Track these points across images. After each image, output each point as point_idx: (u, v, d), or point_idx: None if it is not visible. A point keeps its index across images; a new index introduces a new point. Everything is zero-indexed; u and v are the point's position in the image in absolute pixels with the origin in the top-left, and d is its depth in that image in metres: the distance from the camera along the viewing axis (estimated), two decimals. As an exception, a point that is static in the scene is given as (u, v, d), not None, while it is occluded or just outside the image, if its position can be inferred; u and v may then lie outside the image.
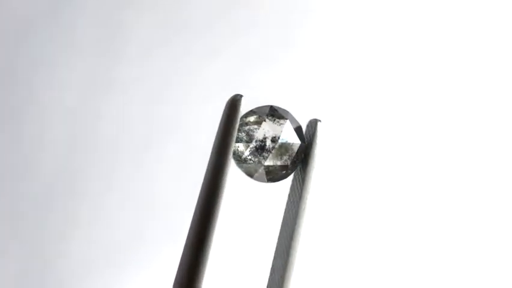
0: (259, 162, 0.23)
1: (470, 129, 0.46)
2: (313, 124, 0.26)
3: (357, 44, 0.48)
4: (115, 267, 0.47)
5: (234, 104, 0.22)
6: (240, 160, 0.23)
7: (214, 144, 0.22)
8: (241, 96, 0.22)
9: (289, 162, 0.23)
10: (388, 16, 0.48)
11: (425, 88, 0.47)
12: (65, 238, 0.47)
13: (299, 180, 0.25)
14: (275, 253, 0.26)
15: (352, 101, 0.48)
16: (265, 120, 0.23)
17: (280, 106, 0.24)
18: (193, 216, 0.21)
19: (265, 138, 0.23)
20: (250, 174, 0.24)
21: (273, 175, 0.23)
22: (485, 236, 0.44)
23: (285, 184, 0.25)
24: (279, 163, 0.23)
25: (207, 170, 0.22)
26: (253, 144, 0.23)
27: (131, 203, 0.48)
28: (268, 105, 0.24)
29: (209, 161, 0.22)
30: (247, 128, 0.23)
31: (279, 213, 0.26)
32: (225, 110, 0.22)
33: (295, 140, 0.24)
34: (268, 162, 0.23)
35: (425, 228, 0.45)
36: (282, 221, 0.26)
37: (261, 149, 0.23)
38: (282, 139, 0.23)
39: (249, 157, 0.23)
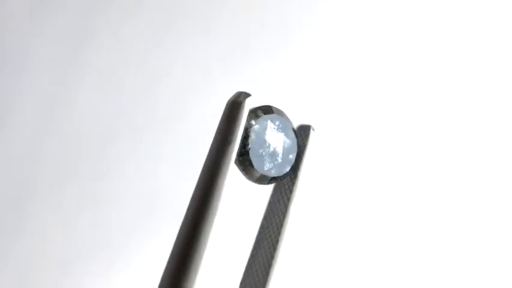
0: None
1: (468, 130, 0.44)
2: (305, 131, 0.24)
3: (360, 42, 0.46)
4: (105, 263, 0.45)
5: (236, 106, 0.19)
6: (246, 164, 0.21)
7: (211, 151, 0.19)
8: (246, 95, 0.20)
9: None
10: (389, 12, 0.46)
11: (425, 89, 0.45)
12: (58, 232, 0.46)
13: (285, 190, 0.23)
14: (248, 268, 0.23)
15: (353, 102, 0.46)
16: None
17: (276, 107, 0.22)
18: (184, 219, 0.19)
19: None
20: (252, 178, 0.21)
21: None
22: (485, 236, 0.43)
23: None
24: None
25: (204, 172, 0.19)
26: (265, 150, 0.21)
27: (128, 197, 0.46)
28: (269, 106, 0.21)
29: (206, 162, 0.19)
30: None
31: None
32: (224, 112, 0.19)
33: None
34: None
35: (421, 236, 0.43)
36: (260, 232, 0.24)
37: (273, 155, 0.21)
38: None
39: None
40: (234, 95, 0.19)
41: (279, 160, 0.21)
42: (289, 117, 0.22)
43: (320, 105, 0.45)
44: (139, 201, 0.45)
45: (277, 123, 0.21)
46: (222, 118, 0.19)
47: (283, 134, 0.21)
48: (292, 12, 0.47)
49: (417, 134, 0.45)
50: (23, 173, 0.47)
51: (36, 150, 0.47)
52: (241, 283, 0.23)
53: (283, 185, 0.23)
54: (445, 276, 0.43)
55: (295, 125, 0.23)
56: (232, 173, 0.19)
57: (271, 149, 0.21)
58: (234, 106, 0.19)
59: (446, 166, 0.44)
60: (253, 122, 0.20)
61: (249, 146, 0.20)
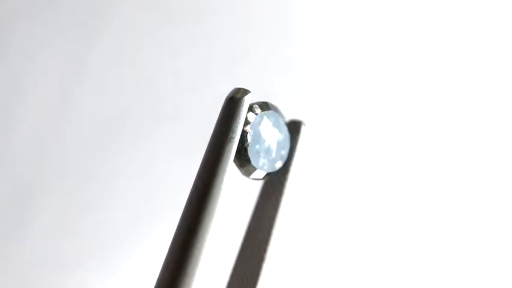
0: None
1: (464, 128, 0.45)
2: (297, 126, 0.24)
3: (361, 41, 0.46)
4: (107, 261, 0.45)
5: (236, 102, 0.19)
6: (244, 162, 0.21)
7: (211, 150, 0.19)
8: (245, 92, 0.19)
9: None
10: (384, 12, 0.46)
11: (423, 89, 0.45)
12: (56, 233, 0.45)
13: (276, 185, 0.23)
14: (238, 264, 0.23)
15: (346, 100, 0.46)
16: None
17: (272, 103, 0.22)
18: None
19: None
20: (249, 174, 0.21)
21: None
22: (484, 236, 0.43)
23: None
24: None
25: (203, 169, 0.19)
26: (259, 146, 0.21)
27: (125, 196, 0.46)
28: (265, 102, 0.21)
29: (206, 157, 0.19)
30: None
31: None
32: (224, 109, 0.19)
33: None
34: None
35: (417, 234, 0.43)
36: (250, 227, 0.23)
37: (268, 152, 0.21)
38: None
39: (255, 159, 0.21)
40: (232, 91, 0.19)
41: (273, 155, 0.21)
42: (283, 112, 0.22)
43: (317, 102, 0.45)
44: (140, 201, 0.45)
45: (272, 119, 0.21)
46: (222, 115, 0.19)
47: (277, 130, 0.21)
48: (293, 12, 0.46)
49: (413, 132, 0.45)
50: (25, 173, 0.46)
51: (37, 150, 0.46)
52: (230, 279, 0.23)
53: (274, 180, 0.23)
54: (441, 277, 0.43)
55: (288, 121, 0.23)
56: (232, 171, 0.19)
57: (266, 145, 0.21)
58: (234, 102, 0.19)
59: (443, 164, 0.44)
60: (250, 118, 0.20)
61: (248, 143, 0.20)
